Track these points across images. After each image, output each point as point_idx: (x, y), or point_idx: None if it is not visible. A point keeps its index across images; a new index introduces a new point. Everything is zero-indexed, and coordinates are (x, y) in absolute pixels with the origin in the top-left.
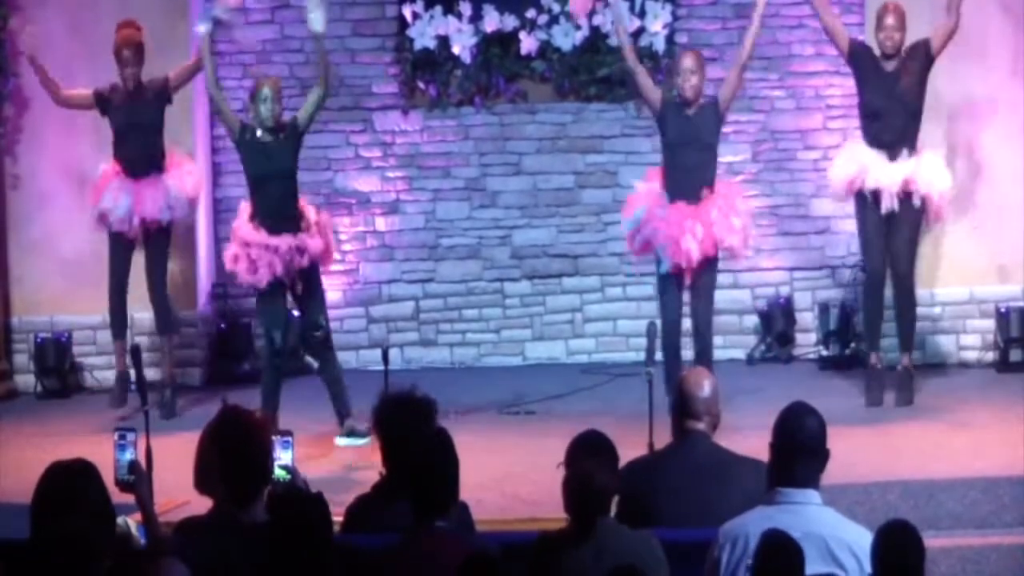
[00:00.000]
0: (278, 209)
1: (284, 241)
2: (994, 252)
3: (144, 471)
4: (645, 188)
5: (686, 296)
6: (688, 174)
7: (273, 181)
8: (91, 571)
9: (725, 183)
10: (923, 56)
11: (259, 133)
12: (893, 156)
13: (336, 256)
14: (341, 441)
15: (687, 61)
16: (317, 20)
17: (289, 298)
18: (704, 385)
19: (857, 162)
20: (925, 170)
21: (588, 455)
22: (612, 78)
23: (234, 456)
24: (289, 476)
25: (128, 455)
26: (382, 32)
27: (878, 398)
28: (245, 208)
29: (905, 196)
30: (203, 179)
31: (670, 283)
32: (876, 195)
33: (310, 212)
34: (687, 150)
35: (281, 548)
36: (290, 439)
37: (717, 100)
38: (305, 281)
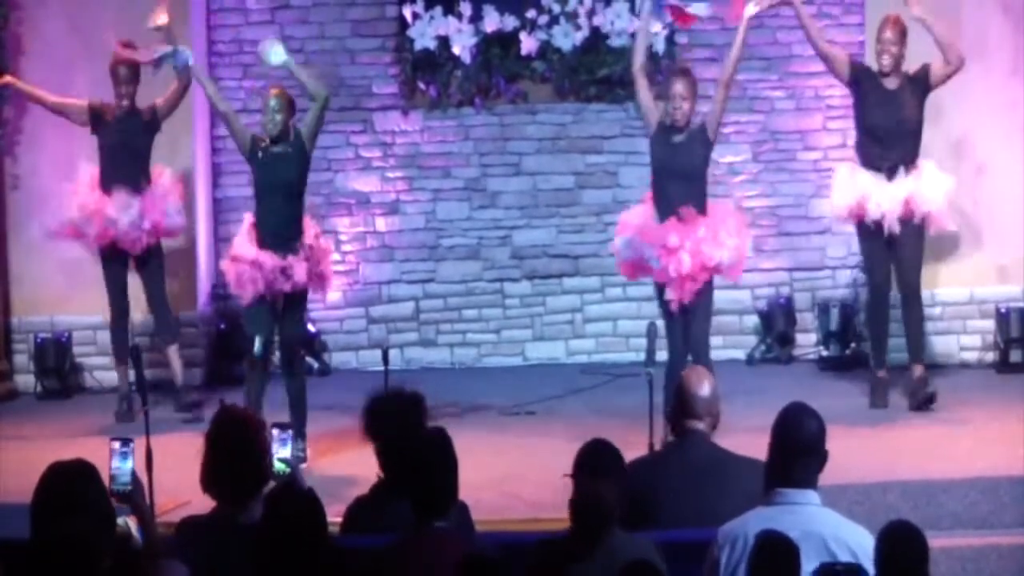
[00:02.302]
0: (277, 224)
1: (270, 259)
2: (994, 253)
3: (141, 481)
4: (638, 211)
5: None
6: (673, 203)
7: (276, 194)
8: (91, 572)
9: (719, 207)
10: (923, 83)
11: (266, 143)
12: (891, 175)
13: (336, 256)
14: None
15: (678, 87)
16: (276, 54)
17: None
18: (704, 385)
19: (857, 191)
20: (925, 187)
21: (596, 470)
22: (612, 78)
23: (229, 456)
24: (289, 469)
25: (130, 462)
26: (382, 32)
27: (883, 402)
28: (247, 218)
29: (907, 216)
30: (192, 186)
31: (673, 318)
32: (878, 221)
33: (310, 234)
34: (671, 180)
35: (272, 547)
36: (289, 433)
37: (705, 127)
38: (287, 302)
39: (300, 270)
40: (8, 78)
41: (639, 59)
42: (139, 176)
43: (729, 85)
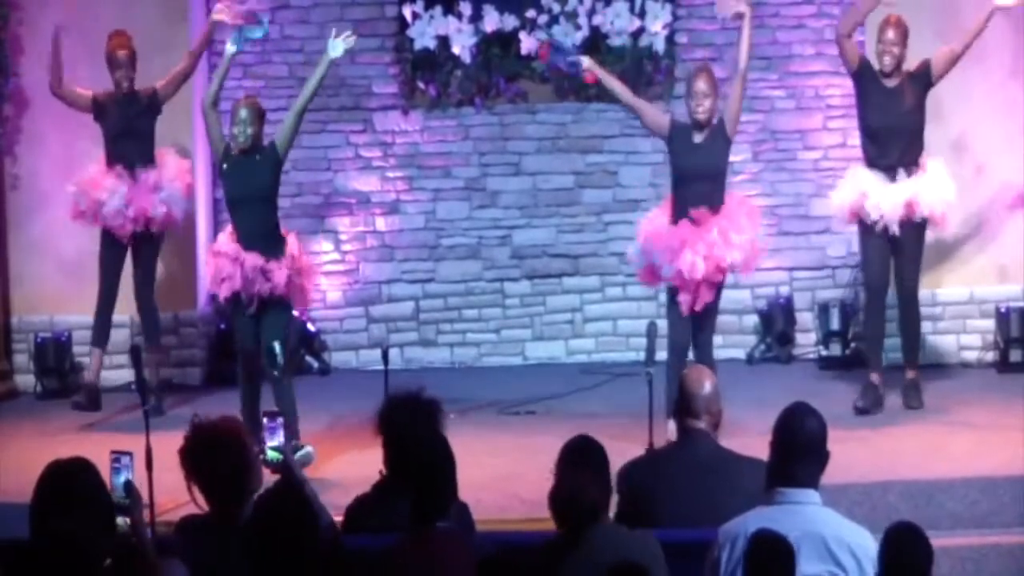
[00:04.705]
0: (252, 230)
1: (251, 259)
2: (994, 252)
3: (139, 494)
4: (654, 217)
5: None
6: (694, 204)
7: (249, 203)
8: (91, 571)
9: (734, 198)
10: (925, 79)
11: (236, 154)
12: (893, 176)
13: (336, 256)
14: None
15: (700, 84)
16: (337, 47)
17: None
18: (704, 383)
19: (857, 189)
20: (928, 188)
21: (576, 465)
22: None
23: (209, 474)
24: (282, 457)
25: (123, 477)
26: (382, 32)
27: (871, 408)
28: (230, 227)
29: (908, 217)
30: (194, 179)
31: (676, 311)
32: (878, 221)
33: (292, 246)
34: (695, 180)
35: (261, 546)
36: (279, 421)
37: (723, 124)
38: (263, 306)
39: (280, 275)
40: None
41: (626, 95)
42: (142, 158)
43: (744, 79)
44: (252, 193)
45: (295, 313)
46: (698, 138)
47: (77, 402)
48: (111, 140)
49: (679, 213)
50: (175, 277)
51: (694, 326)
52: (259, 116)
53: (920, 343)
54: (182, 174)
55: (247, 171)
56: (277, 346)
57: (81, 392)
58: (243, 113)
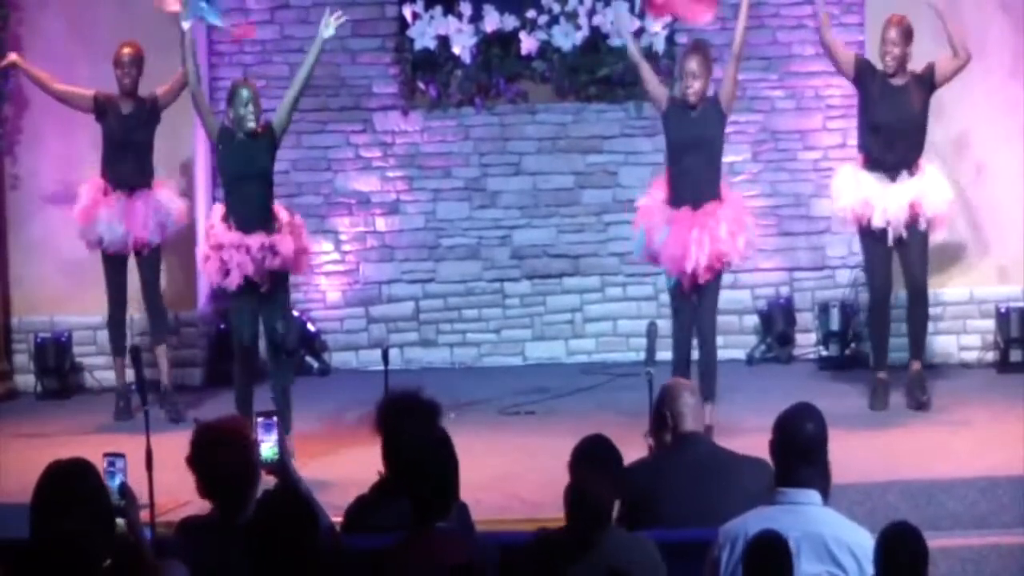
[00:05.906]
0: (252, 210)
1: (256, 240)
2: (994, 252)
3: (134, 496)
4: (649, 203)
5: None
6: (691, 177)
7: (250, 182)
8: (91, 571)
9: (734, 198)
10: (929, 81)
11: (238, 135)
12: (894, 176)
13: (336, 256)
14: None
15: (691, 64)
16: (329, 27)
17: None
18: (685, 397)
19: (860, 194)
20: (929, 190)
21: (591, 465)
22: (612, 78)
23: (212, 476)
24: (277, 457)
25: (117, 480)
26: (382, 32)
27: (883, 404)
28: (218, 209)
29: (912, 219)
30: (187, 206)
31: (681, 299)
32: (883, 226)
33: (283, 214)
34: (689, 152)
35: (262, 547)
36: (274, 420)
37: (718, 99)
38: (271, 283)
39: (286, 244)
40: (13, 57)
41: (634, 49)
42: (140, 170)
43: (739, 57)
44: (252, 172)
45: (296, 314)
46: (693, 112)
47: (117, 411)
48: (109, 150)
49: (676, 191)
50: (175, 277)
51: (696, 315)
52: (258, 97)
53: (926, 336)
54: (176, 198)
55: (251, 152)
56: (280, 325)
57: (119, 401)
58: (245, 94)
